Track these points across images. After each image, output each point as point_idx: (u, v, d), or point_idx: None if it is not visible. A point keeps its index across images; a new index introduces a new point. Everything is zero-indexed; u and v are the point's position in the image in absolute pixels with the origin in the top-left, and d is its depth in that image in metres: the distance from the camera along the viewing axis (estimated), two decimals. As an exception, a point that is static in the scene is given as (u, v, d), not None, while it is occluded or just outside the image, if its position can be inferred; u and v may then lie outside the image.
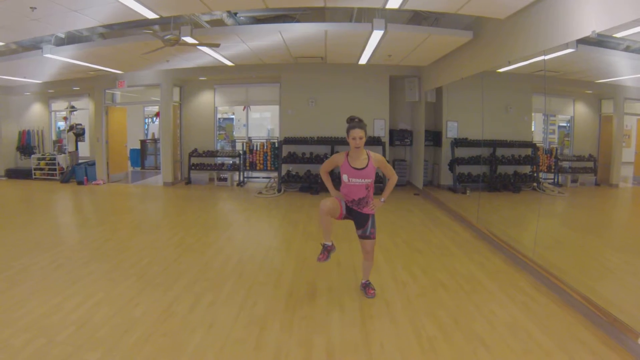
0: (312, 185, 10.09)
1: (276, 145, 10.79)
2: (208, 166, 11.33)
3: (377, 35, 6.93)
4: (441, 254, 5.29)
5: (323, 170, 3.99)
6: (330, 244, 3.92)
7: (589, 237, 5.45)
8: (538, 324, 3.37)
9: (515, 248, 5.07)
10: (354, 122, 3.71)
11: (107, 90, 11.52)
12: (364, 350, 2.99)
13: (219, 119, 12.94)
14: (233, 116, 15.03)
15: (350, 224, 3.96)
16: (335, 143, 10.04)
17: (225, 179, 11.35)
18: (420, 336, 3.18)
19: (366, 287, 3.99)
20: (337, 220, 3.86)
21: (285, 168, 10.42)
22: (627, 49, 4.25)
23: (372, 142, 10.24)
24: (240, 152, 11.17)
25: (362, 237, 3.84)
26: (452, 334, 3.21)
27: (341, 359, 2.90)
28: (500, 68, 6.12)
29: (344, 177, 3.72)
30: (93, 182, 11.40)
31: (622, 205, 5.92)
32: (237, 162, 11.22)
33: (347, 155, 3.76)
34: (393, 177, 3.86)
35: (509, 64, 5.73)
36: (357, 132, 3.65)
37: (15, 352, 2.87)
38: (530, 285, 4.23)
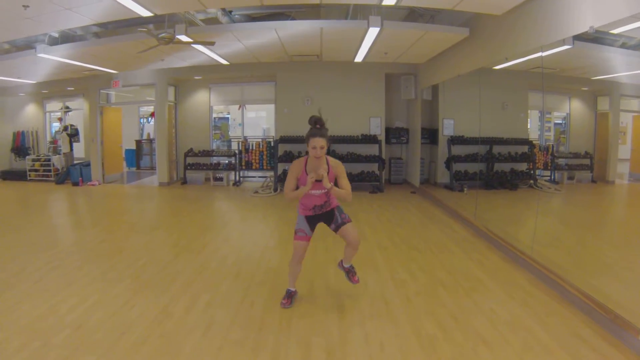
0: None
1: (272, 144, 10.76)
2: (204, 166, 11.28)
3: (373, 33, 6.90)
4: (439, 252, 5.27)
5: (289, 189, 3.48)
6: (294, 290, 3.82)
7: (587, 234, 5.44)
8: (538, 321, 3.35)
9: (514, 245, 5.05)
10: (314, 130, 3.35)
11: (101, 90, 11.45)
12: (363, 350, 2.97)
13: (215, 118, 12.90)
14: (228, 115, 14.99)
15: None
16: (332, 141, 10.01)
17: (221, 179, 11.30)
18: (420, 335, 3.16)
19: (349, 273, 3.80)
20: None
21: (281, 167, 10.38)
22: (623, 46, 4.24)
23: (369, 140, 10.22)
24: (236, 151, 11.14)
25: (338, 227, 3.59)
26: (452, 333, 3.19)
27: (341, 359, 2.87)
28: (497, 65, 6.10)
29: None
30: (88, 183, 11.32)
31: (619, 202, 5.92)
32: (233, 161, 11.19)
33: (305, 164, 3.46)
34: (347, 191, 3.44)
35: (506, 60, 5.71)
36: (318, 141, 3.30)
37: (9, 355, 2.82)
38: (529, 283, 4.21)
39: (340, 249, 5.17)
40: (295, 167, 3.50)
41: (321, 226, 3.75)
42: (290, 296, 3.79)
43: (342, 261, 3.89)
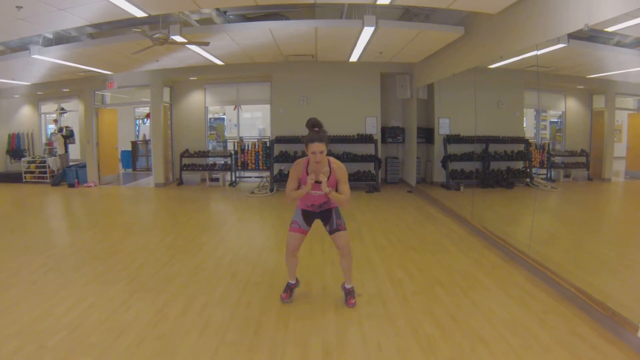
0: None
1: (268, 144, 10.75)
2: (200, 167, 11.25)
3: (368, 32, 6.90)
4: (436, 251, 5.27)
5: (290, 189, 3.47)
6: (294, 282, 3.83)
7: (584, 232, 5.45)
8: (536, 320, 3.35)
9: (511, 243, 5.05)
10: (312, 134, 3.30)
11: (96, 92, 11.40)
12: (361, 349, 2.95)
13: (210, 118, 12.87)
14: (224, 116, 14.98)
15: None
16: (328, 141, 10.01)
17: (217, 179, 11.28)
18: (418, 334, 3.15)
19: (348, 295, 3.70)
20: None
21: (277, 167, 10.38)
22: (618, 44, 4.24)
23: (364, 139, 10.22)
24: (232, 152, 11.12)
25: (332, 231, 3.60)
26: (450, 332, 3.18)
27: (338, 359, 2.86)
28: (492, 64, 6.11)
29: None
30: (84, 185, 11.27)
31: (615, 200, 5.94)
32: (229, 162, 11.16)
33: (307, 166, 3.44)
34: (346, 196, 3.39)
35: (501, 59, 5.72)
36: (317, 147, 3.27)
37: (4, 358, 2.80)
38: (527, 281, 4.21)
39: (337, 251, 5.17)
40: (296, 167, 3.49)
41: (319, 227, 3.75)
42: (290, 289, 3.80)
43: (344, 283, 3.82)
